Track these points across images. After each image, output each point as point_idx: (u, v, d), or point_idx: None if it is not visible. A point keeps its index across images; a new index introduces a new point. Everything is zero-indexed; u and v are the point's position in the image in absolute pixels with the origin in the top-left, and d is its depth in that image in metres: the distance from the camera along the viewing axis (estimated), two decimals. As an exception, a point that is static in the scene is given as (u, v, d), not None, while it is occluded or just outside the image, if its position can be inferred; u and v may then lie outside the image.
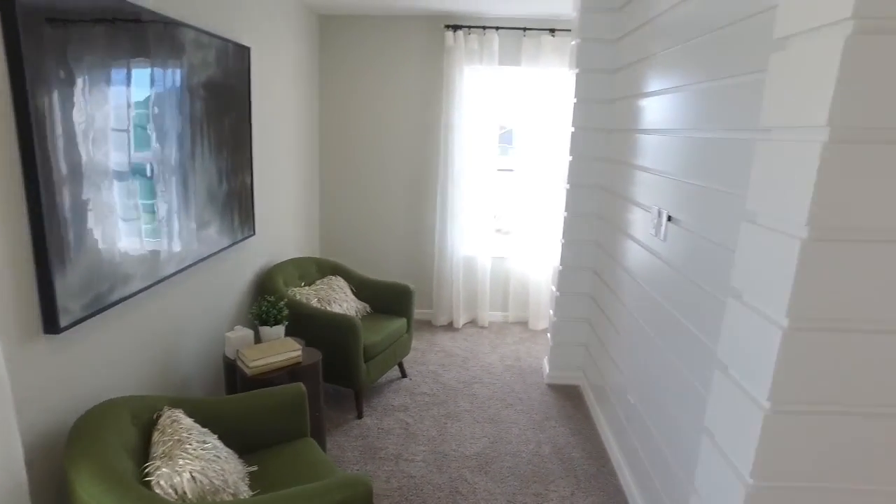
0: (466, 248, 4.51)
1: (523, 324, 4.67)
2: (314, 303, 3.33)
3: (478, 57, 4.24)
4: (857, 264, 1.05)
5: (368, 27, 4.29)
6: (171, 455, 1.52)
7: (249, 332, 2.61)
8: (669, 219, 2.20)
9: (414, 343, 4.22)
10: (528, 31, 4.20)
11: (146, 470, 1.47)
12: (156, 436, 1.66)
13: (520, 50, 4.26)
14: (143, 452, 1.64)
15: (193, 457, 1.56)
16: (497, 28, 4.19)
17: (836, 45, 0.95)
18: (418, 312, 4.70)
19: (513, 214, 4.54)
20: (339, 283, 3.62)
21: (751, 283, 1.17)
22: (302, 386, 2.23)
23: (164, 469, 1.44)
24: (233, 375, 2.53)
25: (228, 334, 2.55)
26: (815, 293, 1.05)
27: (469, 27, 4.19)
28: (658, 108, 2.41)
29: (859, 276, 1.05)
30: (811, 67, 1.01)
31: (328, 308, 3.33)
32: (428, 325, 4.62)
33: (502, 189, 4.66)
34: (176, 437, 1.64)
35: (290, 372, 2.50)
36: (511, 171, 4.53)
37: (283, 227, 3.79)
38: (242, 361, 2.42)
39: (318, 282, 3.60)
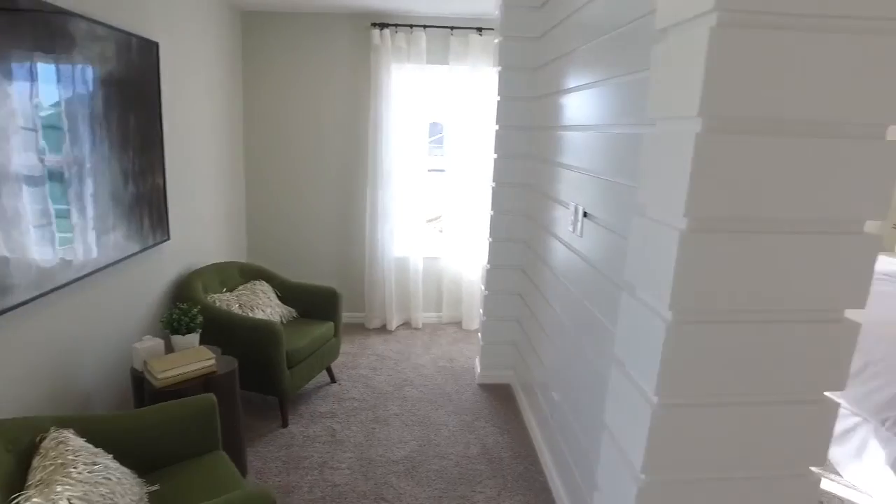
0: (398, 248, 4.46)
1: (457, 324, 4.66)
2: (235, 309, 3.20)
3: (405, 55, 4.20)
4: (735, 255, 1.06)
5: (293, 24, 4.17)
6: (49, 482, 1.40)
7: (159, 342, 2.46)
8: (585, 215, 2.22)
9: (345, 347, 4.13)
10: (455, 30, 4.19)
11: (15, 501, 1.34)
12: (36, 461, 1.52)
13: (447, 49, 4.24)
14: (21, 481, 1.50)
15: (77, 481, 1.44)
16: (424, 27, 4.15)
17: (702, 37, 0.95)
18: (351, 316, 4.61)
19: (446, 214, 4.51)
20: (264, 287, 3.49)
21: (640, 277, 1.17)
22: (212, 396, 2.12)
23: (35, 499, 1.32)
24: (141, 389, 2.38)
25: (136, 345, 2.39)
26: (695, 285, 1.06)
27: (396, 25, 4.14)
28: (574, 104, 2.44)
29: (737, 267, 1.07)
30: (684, 58, 1.02)
31: (250, 314, 3.20)
32: (360, 328, 4.53)
33: (435, 189, 4.64)
34: (59, 461, 1.51)
35: (204, 382, 2.38)
36: (442, 171, 4.51)
37: (205, 231, 3.62)
38: (150, 373, 2.28)
39: (240, 287, 3.46)
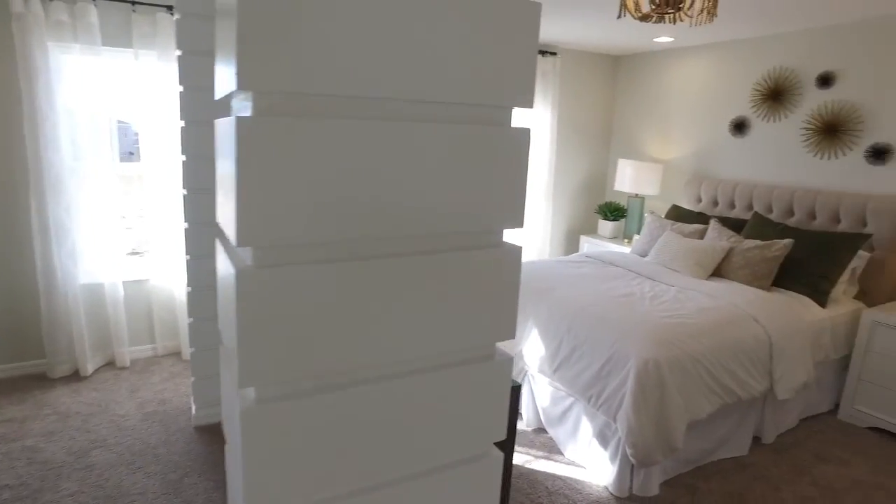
0: (87, 274, 3.58)
1: (176, 355, 3.94)
2: None
3: (70, 32, 3.34)
4: (333, 295, 0.76)
5: None
6: None
7: None
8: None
9: (8, 412, 3.15)
10: (137, 6, 3.47)
11: None
12: None
13: (130, 28, 3.50)
14: None
15: None
16: (94, -2, 3.35)
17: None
18: (24, 366, 3.58)
19: (148, 227, 3.76)
20: None
21: (225, 330, 0.82)
22: None
23: None
24: None
25: None
26: (274, 345, 0.73)
27: (51, -8, 3.26)
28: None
29: (337, 312, 0.77)
30: (226, 6, 0.68)
31: None
32: (40, 379, 3.54)
33: (132, 198, 3.84)
34: None
35: None
36: (140, 177, 3.75)
37: None
38: None
39: None
